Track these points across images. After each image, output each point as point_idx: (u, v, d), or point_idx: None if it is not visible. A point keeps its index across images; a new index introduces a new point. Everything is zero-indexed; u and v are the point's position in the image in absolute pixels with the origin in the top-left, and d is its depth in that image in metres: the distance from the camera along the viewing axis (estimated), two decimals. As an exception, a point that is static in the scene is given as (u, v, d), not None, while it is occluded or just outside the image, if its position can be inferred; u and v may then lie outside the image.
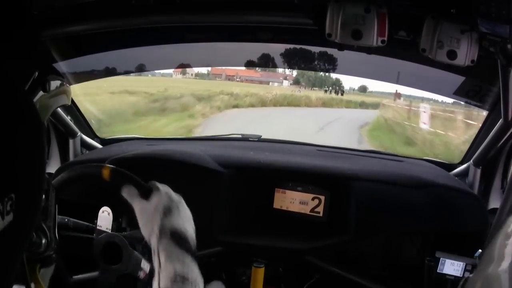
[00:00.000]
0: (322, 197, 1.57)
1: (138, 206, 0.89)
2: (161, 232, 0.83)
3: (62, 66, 1.73)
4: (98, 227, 1.29)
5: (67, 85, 1.49)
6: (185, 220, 0.87)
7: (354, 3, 1.12)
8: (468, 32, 1.12)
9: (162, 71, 16.50)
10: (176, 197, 0.90)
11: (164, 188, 0.90)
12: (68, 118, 1.84)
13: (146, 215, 0.86)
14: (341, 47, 1.20)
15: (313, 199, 1.58)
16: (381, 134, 11.24)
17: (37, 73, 1.38)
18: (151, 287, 0.83)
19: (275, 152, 1.79)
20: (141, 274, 1.15)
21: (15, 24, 0.47)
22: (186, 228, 0.85)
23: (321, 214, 1.58)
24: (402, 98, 15.28)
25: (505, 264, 0.59)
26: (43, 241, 0.96)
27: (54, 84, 1.46)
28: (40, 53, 1.51)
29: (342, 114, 14.52)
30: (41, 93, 1.40)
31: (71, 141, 1.87)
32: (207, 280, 0.91)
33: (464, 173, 1.82)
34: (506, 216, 1.12)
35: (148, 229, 0.85)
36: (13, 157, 0.46)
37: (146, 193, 0.89)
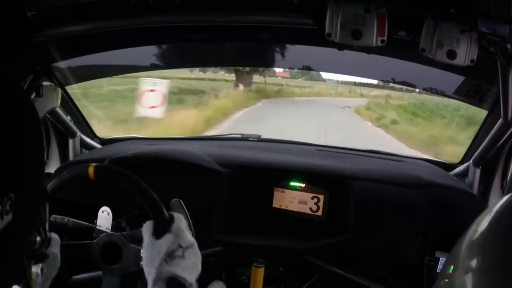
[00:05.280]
0: (322, 197, 1.57)
1: (146, 241, 0.88)
2: (158, 276, 0.83)
3: (62, 66, 1.73)
4: (97, 227, 1.30)
5: (57, 87, 1.49)
6: (188, 269, 0.86)
7: (353, 3, 1.12)
8: (468, 32, 1.12)
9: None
10: (187, 241, 0.88)
11: (178, 229, 0.88)
12: (68, 118, 1.84)
13: (150, 254, 0.86)
14: (340, 47, 1.20)
15: (312, 198, 1.58)
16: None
17: (32, 76, 1.39)
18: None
19: (275, 152, 1.79)
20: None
21: (11, 24, 0.46)
22: (185, 278, 0.84)
23: (320, 214, 1.57)
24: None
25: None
26: (37, 238, 0.97)
27: (46, 87, 1.47)
28: (38, 54, 1.51)
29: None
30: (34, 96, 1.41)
31: (70, 141, 1.87)
32: (207, 280, 0.91)
33: (464, 173, 1.82)
34: None
35: (148, 268, 0.85)
36: (12, 157, 0.46)
37: (159, 231, 0.88)
